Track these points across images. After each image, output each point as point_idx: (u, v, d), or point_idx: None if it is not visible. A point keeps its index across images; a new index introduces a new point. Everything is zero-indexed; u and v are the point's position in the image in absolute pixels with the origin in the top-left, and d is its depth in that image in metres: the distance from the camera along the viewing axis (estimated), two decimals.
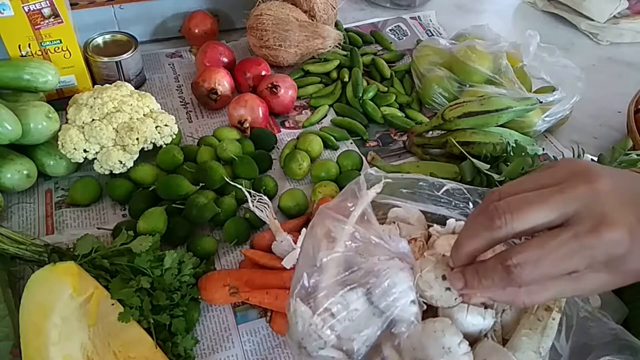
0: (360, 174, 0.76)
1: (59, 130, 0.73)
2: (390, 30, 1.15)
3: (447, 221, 0.49)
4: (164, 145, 0.76)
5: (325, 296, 0.41)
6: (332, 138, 0.85)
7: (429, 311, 0.43)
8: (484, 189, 0.49)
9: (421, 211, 0.52)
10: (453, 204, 0.50)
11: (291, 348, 0.43)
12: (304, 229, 0.65)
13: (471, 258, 0.37)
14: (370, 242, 0.42)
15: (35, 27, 0.77)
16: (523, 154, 0.70)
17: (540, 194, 0.34)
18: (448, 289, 0.41)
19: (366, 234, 0.42)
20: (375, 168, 0.77)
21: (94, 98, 0.73)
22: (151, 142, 0.75)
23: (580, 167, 0.36)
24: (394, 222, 0.51)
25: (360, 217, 0.44)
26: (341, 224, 0.43)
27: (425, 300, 0.42)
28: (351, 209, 0.44)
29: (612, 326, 0.43)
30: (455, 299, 0.41)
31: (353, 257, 0.43)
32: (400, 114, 0.91)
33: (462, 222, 0.48)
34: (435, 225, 0.50)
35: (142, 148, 0.74)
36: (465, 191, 0.49)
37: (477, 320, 0.42)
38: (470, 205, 0.49)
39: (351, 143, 0.87)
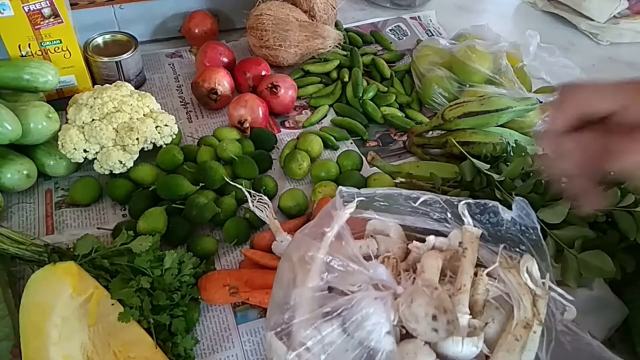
0: (360, 174, 0.77)
1: (59, 130, 0.73)
2: (390, 30, 1.15)
3: (427, 238, 0.49)
4: (164, 145, 0.76)
5: (299, 329, 0.40)
6: (332, 138, 0.85)
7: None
8: (460, 199, 0.50)
9: (400, 225, 0.52)
10: (430, 215, 0.50)
11: None
12: None
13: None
14: (347, 270, 0.42)
15: (35, 27, 0.77)
16: (523, 154, 0.70)
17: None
18: (435, 330, 0.40)
19: (343, 261, 0.42)
20: (375, 173, 0.78)
21: (94, 98, 0.73)
22: (151, 142, 0.75)
23: None
24: (372, 236, 0.51)
25: (337, 237, 0.43)
26: (316, 252, 0.42)
27: (404, 328, 0.41)
28: (327, 232, 0.43)
29: (589, 341, 0.43)
30: (440, 337, 0.41)
31: (328, 289, 0.43)
32: (400, 114, 0.91)
33: (442, 239, 0.49)
34: (414, 241, 0.50)
35: (142, 148, 0.74)
36: (442, 202, 0.50)
37: (457, 349, 0.42)
38: (449, 215, 0.50)
39: (351, 143, 0.87)
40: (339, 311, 0.40)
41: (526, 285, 0.45)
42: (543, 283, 0.45)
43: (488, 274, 0.47)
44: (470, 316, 0.44)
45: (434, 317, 0.40)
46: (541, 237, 0.47)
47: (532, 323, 0.43)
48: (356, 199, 0.48)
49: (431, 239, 0.49)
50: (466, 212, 0.48)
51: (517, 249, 0.48)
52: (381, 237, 0.51)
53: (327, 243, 0.43)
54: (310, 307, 0.41)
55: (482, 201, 0.49)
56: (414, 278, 0.45)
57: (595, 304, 0.56)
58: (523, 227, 0.47)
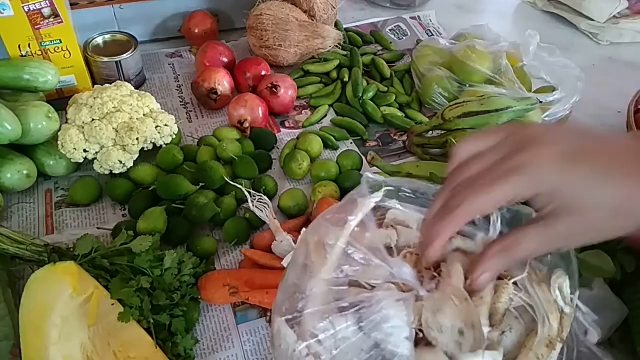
0: (360, 174, 0.77)
1: (59, 130, 0.73)
2: (390, 30, 1.15)
3: (452, 238, 0.44)
4: (164, 145, 0.76)
5: (312, 320, 0.38)
6: (332, 138, 0.85)
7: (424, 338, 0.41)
8: None
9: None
10: None
11: None
12: (304, 229, 0.65)
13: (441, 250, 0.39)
14: (369, 264, 0.39)
15: (35, 27, 0.77)
16: None
17: (489, 180, 0.36)
18: (459, 344, 0.38)
19: (365, 254, 0.40)
20: (375, 173, 0.77)
21: (94, 98, 0.73)
22: (151, 142, 0.75)
23: (523, 139, 0.37)
24: (392, 226, 0.48)
25: (360, 226, 0.41)
26: (336, 240, 0.40)
27: (424, 334, 0.39)
28: (350, 220, 0.41)
29: None
30: (462, 351, 0.38)
31: (346, 280, 0.41)
32: (400, 114, 0.91)
33: (468, 241, 0.46)
34: None
35: (142, 148, 0.74)
36: None
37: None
38: (477, 215, 0.46)
39: (351, 143, 0.87)
40: (357, 308, 0.39)
41: (555, 302, 0.42)
42: (572, 299, 0.42)
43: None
44: (490, 328, 0.41)
45: (461, 332, 0.38)
46: (573, 251, 0.44)
47: (555, 342, 0.41)
48: (383, 188, 0.45)
49: (457, 240, 0.45)
50: (498, 218, 0.44)
51: (544, 260, 0.45)
52: (401, 228, 0.48)
53: (348, 232, 0.41)
54: (326, 299, 0.40)
55: (516, 208, 0.45)
56: (438, 280, 0.42)
57: (595, 304, 0.55)
58: None
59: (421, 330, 0.40)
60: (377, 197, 0.44)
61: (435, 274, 0.43)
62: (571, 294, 0.43)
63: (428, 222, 0.39)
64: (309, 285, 0.40)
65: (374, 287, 0.41)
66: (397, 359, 0.37)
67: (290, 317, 0.40)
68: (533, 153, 0.35)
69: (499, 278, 0.43)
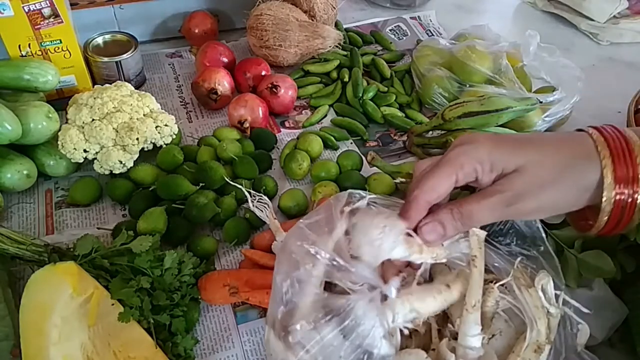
0: (360, 174, 0.77)
1: (59, 130, 0.73)
2: (390, 30, 1.15)
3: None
4: (164, 145, 0.76)
5: (298, 329, 0.40)
6: (332, 138, 0.85)
7: (415, 339, 0.42)
8: None
9: None
10: None
11: None
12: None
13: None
14: (348, 269, 0.41)
15: (35, 27, 0.77)
16: None
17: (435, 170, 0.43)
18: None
19: (345, 260, 0.41)
20: (375, 173, 0.77)
21: (94, 98, 0.73)
22: (151, 142, 0.75)
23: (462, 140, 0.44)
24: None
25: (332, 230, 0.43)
26: (319, 248, 0.41)
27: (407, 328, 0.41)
28: (334, 230, 0.43)
29: None
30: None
31: (329, 288, 0.42)
32: (400, 114, 0.91)
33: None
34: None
35: (142, 148, 0.74)
36: None
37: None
38: None
39: (351, 143, 0.87)
40: (337, 314, 0.40)
41: (543, 307, 0.42)
42: (557, 298, 0.43)
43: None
44: (483, 335, 0.42)
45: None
46: (549, 246, 0.46)
47: (543, 347, 0.41)
48: (366, 199, 0.46)
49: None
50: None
51: (525, 256, 0.46)
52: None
53: (333, 241, 0.42)
54: (311, 308, 0.41)
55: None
56: (404, 277, 0.44)
57: (595, 304, 0.56)
58: (529, 237, 0.46)
59: (406, 328, 0.41)
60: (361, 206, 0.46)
61: (404, 275, 0.44)
62: (556, 291, 0.43)
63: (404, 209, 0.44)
64: (293, 292, 0.42)
65: (354, 291, 0.42)
66: (378, 357, 0.39)
67: (277, 326, 0.41)
68: (469, 140, 0.43)
69: (486, 282, 0.44)
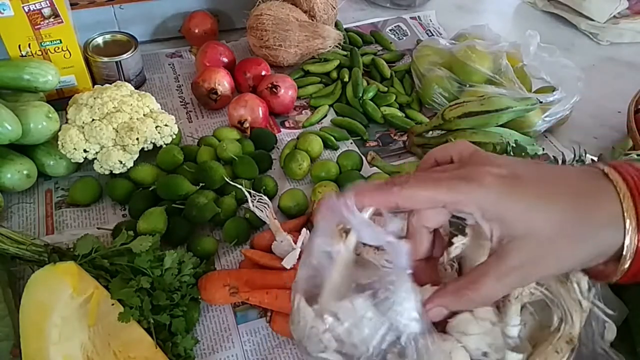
0: (360, 174, 0.77)
1: (59, 130, 0.73)
2: (390, 30, 1.15)
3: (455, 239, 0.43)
4: (164, 145, 0.76)
5: (331, 298, 0.39)
6: (332, 138, 0.85)
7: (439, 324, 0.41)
8: None
9: None
10: None
11: (295, 340, 0.42)
12: (304, 229, 0.65)
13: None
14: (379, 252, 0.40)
15: (35, 27, 0.77)
16: (523, 154, 0.70)
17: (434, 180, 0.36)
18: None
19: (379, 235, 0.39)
20: (375, 173, 0.76)
21: (94, 98, 0.73)
22: (151, 142, 0.75)
23: (476, 159, 0.37)
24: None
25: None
26: (355, 216, 0.39)
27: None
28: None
29: None
30: None
31: (365, 259, 0.41)
32: (400, 114, 0.91)
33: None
34: (459, 236, 0.44)
35: (142, 148, 0.74)
36: None
37: None
38: None
39: (351, 143, 0.87)
40: (376, 284, 0.39)
41: (578, 301, 0.42)
42: (588, 293, 0.42)
43: None
44: (519, 326, 0.41)
45: (485, 354, 0.38)
46: None
47: (575, 339, 0.41)
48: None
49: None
50: None
51: None
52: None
53: (366, 214, 0.40)
54: (345, 279, 0.40)
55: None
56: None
57: None
58: None
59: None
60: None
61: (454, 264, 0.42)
62: (588, 289, 0.42)
63: (363, 185, 0.38)
64: (327, 263, 0.40)
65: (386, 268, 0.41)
66: (411, 336, 0.37)
67: (309, 289, 0.40)
68: (477, 171, 0.35)
69: None
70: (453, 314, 0.40)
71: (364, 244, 0.41)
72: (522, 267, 0.35)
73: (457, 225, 0.45)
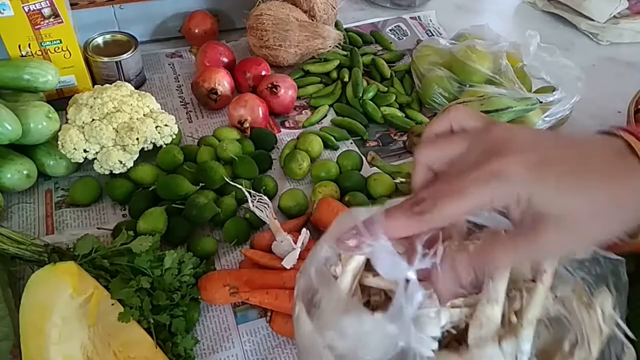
0: (360, 174, 0.77)
1: (59, 130, 0.73)
2: (390, 30, 1.15)
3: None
4: (164, 145, 0.76)
5: (333, 310, 0.37)
6: (332, 138, 0.85)
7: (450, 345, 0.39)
8: None
9: None
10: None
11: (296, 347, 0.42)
12: (304, 229, 0.65)
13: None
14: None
15: (35, 27, 0.77)
16: None
17: (458, 188, 0.34)
18: None
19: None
20: (375, 173, 0.76)
21: (94, 98, 0.73)
22: (151, 142, 0.75)
23: (490, 148, 0.36)
24: None
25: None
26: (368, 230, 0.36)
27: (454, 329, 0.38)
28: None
29: None
30: None
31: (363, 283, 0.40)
32: (400, 114, 0.91)
33: None
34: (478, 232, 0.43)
35: (142, 148, 0.74)
36: None
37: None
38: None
39: (351, 143, 0.87)
40: (384, 296, 0.38)
41: (600, 329, 0.40)
42: (611, 318, 0.41)
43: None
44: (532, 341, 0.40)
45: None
46: (624, 267, 0.43)
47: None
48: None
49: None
50: None
51: (590, 272, 0.43)
52: None
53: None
54: (352, 282, 0.39)
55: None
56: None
57: None
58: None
59: (448, 332, 0.38)
60: None
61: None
62: (614, 312, 0.41)
63: (392, 214, 0.35)
64: (328, 283, 0.39)
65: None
66: (419, 355, 0.36)
67: (310, 305, 0.39)
68: (502, 162, 0.34)
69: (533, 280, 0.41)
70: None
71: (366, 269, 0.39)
72: (547, 245, 0.35)
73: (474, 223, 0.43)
